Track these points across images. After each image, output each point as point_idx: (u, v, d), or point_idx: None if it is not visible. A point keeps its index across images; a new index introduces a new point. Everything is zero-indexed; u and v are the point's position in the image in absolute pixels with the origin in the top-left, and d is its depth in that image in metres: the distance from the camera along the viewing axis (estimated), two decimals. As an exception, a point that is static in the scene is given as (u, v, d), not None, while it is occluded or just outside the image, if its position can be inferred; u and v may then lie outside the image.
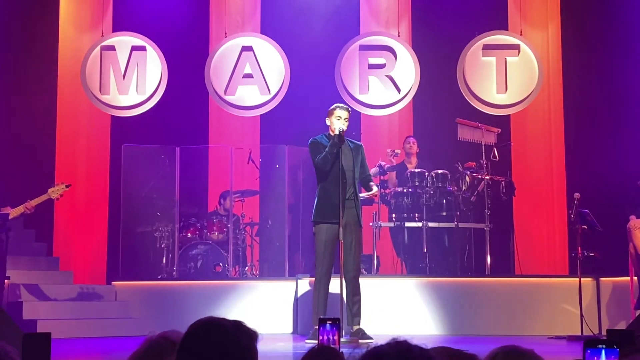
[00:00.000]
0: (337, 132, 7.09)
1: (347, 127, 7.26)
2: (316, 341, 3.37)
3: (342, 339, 3.25)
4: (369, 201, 9.25)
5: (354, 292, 7.12)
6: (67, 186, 7.51)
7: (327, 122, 7.30)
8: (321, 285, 7.09)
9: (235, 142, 10.41)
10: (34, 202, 7.37)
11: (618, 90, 10.03)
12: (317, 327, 3.84)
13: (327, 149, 7.08)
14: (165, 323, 7.10)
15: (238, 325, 2.00)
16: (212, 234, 9.63)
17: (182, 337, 2.01)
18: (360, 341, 6.92)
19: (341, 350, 2.84)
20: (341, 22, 10.63)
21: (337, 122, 7.18)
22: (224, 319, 2.01)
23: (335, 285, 7.17)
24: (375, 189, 7.43)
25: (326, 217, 7.09)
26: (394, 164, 9.64)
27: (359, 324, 7.12)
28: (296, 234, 9.81)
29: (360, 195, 7.39)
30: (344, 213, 6.93)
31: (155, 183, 9.87)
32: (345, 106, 7.48)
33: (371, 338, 7.01)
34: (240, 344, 1.97)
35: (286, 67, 10.15)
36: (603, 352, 2.29)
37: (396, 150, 9.66)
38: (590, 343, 2.31)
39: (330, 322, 3.24)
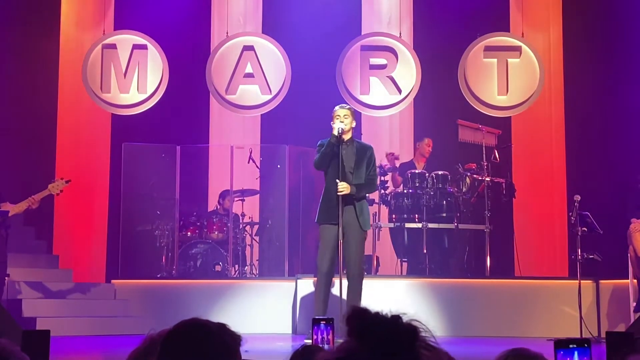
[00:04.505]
0: (334, 133, 7.06)
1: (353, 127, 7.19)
2: (315, 341, 3.36)
3: (339, 340, 3.25)
4: (369, 201, 9.24)
5: (355, 292, 7.10)
6: (66, 182, 7.50)
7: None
8: (322, 285, 7.07)
9: (236, 142, 10.41)
10: (37, 196, 7.36)
11: (619, 92, 10.02)
12: (316, 327, 3.84)
13: (322, 148, 7.06)
14: (164, 322, 7.02)
15: (222, 328, 1.99)
16: (212, 233, 9.63)
17: (163, 338, 1.98)
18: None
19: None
20: (342, 22, 10.61)
21: (336, 120, 7.15)
22: (208, 321, 1.99)
23: (336, 285, 7.16)
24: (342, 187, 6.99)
25: (327, 218, 7.07)
26: (397, 165, 9.63)
27: (358, 324, 7.09)
28: (296, 233, 9.79)
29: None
30: (343, 213, 6.92)
31: (156, 182, 9.87)
32: (344, 105, 7.45)
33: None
34: (224, 346, 1.95)
35: (287, 67, 10.14)
36: (576, 353, 2.20)
37: (396, 153, 9.64)
38: (561, 344, 2.22)
39: (324, 322, 3.23)
